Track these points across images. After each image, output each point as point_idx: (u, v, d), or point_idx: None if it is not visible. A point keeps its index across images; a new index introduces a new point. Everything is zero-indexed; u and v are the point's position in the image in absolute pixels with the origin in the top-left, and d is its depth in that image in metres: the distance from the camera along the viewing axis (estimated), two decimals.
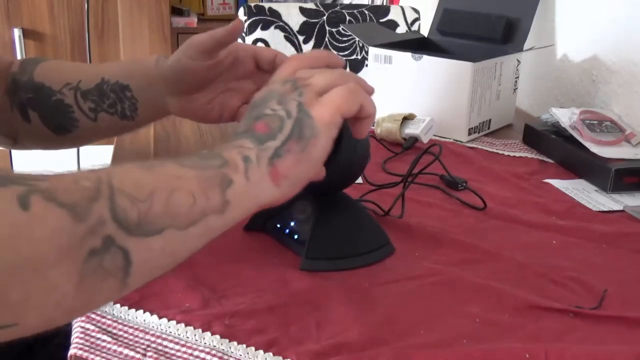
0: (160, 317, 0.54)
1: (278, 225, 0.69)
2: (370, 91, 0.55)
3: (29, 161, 2.31)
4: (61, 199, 0.37)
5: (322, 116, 0.50)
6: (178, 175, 0.43)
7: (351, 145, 0.61)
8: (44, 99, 0.75)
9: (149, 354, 0.51)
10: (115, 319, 0.55)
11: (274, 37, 1.51)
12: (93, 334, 0.53)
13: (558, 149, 0.98)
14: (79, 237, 0.37)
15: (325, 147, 0.51)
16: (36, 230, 0.35)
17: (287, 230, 0.68)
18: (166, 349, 0.51)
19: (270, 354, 0.51)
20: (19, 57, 2.30)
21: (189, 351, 0.51)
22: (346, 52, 1.58)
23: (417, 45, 1.25)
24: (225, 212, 0.45)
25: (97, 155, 2.17)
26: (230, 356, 0.51)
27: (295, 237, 0.67)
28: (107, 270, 0.39)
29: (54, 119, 0.76)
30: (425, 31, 1.33)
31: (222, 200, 0.44)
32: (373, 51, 1.13)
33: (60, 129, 0.77)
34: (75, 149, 2.16)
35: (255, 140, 0.48)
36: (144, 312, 0.55)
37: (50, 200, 0.36)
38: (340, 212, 0.68)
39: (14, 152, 2.32)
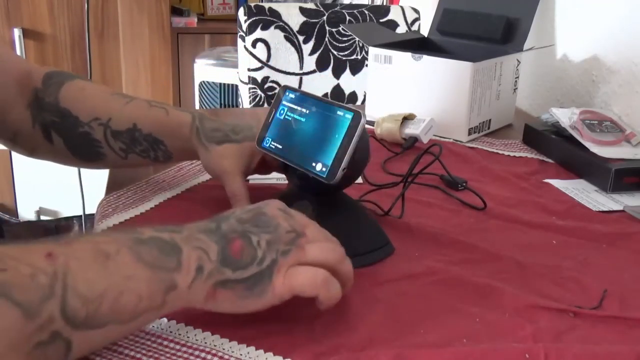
0: (160, 317, 0.54)
1: None
2: (346, 284, 0.55)
3: (30, 162, 2.31)
4: (16, 297, 0.40)
5: (279, 288, 0.51)
6: (130, 275, 0.46)
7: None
8: (70, 127, 0.74)
9: (149, 354, 0.51)
10: None
11: (274, 37, 1.51)
12: None
13: (558, 149, 0.98)
14: (27, 333, 0.40)
15: (261, 308, 0.52)
16: None
17: None
18: (166, 349, 0.51)
19: (271, 353, 0.51)
20: None
21: (189, 351, 0.51)
22: (346, 52, 1.58)
23: (417, 45, 1.25)
24: (160, 309, 0.48)
25: None
26: (231, 356, 0.51)
27: None
28: (49, 357, 0.42)
29: (81, 149, 0.75)
30: (425, 31, 1.33)
31: (162, 301, 0.47)
32: (373, 51, 1.13)
33: (86, 158, 0.76)
34: None
35: (221, 255, 0.50)
36: None
37: (6, 297, 0.40)
38: (340, 212, 0.68)
39: (14, 153, 2.32)
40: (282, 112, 0.67)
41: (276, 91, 0.72)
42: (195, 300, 0.50)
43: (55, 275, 0.42)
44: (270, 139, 0.67)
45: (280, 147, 0.66)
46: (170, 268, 0.48)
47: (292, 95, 0.67)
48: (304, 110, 0.66)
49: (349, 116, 0.62)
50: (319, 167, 0.62)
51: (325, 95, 1.57)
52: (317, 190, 0.66)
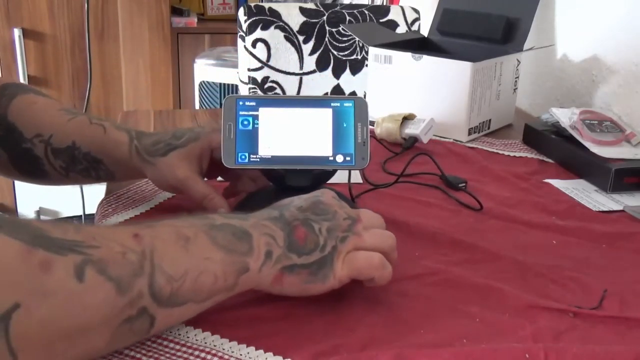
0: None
1: None
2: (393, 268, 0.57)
3: None
4: (110, 272, 0.43)
5: (339, 273, 0.54)
6: (207, 256, 0.49)
7: None
8: (14, 142, 0.72)
9: (149, 354, 0.51)
10: None
11: (274, 37, 1.51)
12: None
13: (558, 149, 0.98)
14: (119, 308, 0.44)
15: (324, 291, 0.55)
16: (87, 300, 0.42)
17: None
18: (166, 349, 0.51)
19: (271, 353, 0.51)
20: (19, 57, 2.30)
21: (189, 351, 0.51)
22: (346, 52, 1.58)
23: (417, 45, 1.25)
24: (232, 290, 0.51)
25: None
26: (231, 356, 0.51)
27: None
28: (135, 332, 0.46)
29: (24, 165, 0.73)
30: (425, 31, 1.33)
31: (234, 282, 0.50)
32: (373, 51, 1.13)
33: (29, 175, 0.74)
34: None
35: (287, 241, 0.53)
36: None
37: (102, 274, 0.43)
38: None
39: None
40: (245, 123, 0.64)
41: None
42: (263, 283, 0.52)
43: (143, 253, 0.45)
44: (246, 154, 0.64)
45: (266, 157, 0.64)
46: (243, 252, 0.50)
47: (250, 103, 0.64)
48: (280, 113, 0.64)
49: (349, 104, 0.63)
50: (339, 159, 0.63)
51: (326, 95, 1.57)
52: (300, 186, 0.66)
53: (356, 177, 0.88)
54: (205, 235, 0.50)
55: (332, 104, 0.64)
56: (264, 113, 0.64)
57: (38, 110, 0.73)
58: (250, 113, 0.64)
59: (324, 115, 0.63)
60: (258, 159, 0.64)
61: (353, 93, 1.60)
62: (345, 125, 0.63)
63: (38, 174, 0.74)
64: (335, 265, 0.54)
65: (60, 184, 0.76)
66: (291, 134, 0.64)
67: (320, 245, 0.53)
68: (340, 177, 0.84)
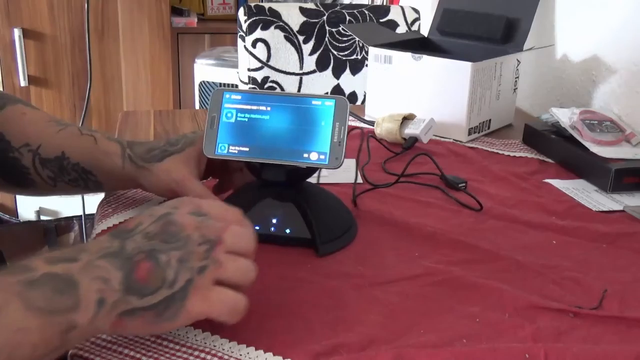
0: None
1: (257, 227, 0.67)
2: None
3: None
4: None
5: (194, 310, 0.48)
6: (22, 327, 0.42)
7: None
8: (1, 152, 0.71)
9: (149, 354, 0.51)
10: None
11: (274, 37, 1.51)
12: None
13: (558, 149, 0.98)
14: None
15: (171, 330, 0.50)
16: None
17: (273, 229, 0.67)
18: (166, 349, 0.51)
19: (271, 354, 0.51)
20: (19, 57, 2.29)
21: (189, 351, 0.51)
22: (346, 52, 1.58)
23: (417, 45, 1.25)
24: (59, 350, 0.45)
25: None
26: (231, 356, 0.51)
27: (287, 231, 0.67)
28: None
29: (10, 175, 0.73)
30: (425, 31, 1.33)
31: (60, 342, 0.44)
32: (373, 51, 1.13)
33: (15, 184, 0.74)
34: None
35: (125, 283, 0.46)
36: None
37: None
38: (311, 197, 0.69)
39: None
40: (229, 115, 0.66)
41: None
42: (100, 330, 0.47)
43: None
44: (226, 145, 0.66)
45: (245, 149, 0.65)
46: (66, 309, 0.44)
47: (236, 97, 0.66)
48: (263, 108, 0.65)
49: (330, 103, 0.64)
50: (314, 156, 0.64)
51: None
52: (290, 182, 0.68)
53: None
54: (18, 299, 0.42)
55: (313, 102, 0.65)
56: (248, 107, 0.66)
57: (27, 121, 0.73)
58: (235, 106, 0.66)
59: (304, 113, 0.65)
60: (236, 151, 0.66)
61: (353, 93, 1.60)
62: (323, 123, 0.64)
63: (24, 183, 0.73)
64: (189, 301, 0.48)
65: (47, 194, 0.76)
66: (270, 129, 0.65)
67: (168, 280, 0.47)
68: (341, 177, 0.84)
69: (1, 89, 0.75)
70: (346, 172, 0.87)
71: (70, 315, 0.44)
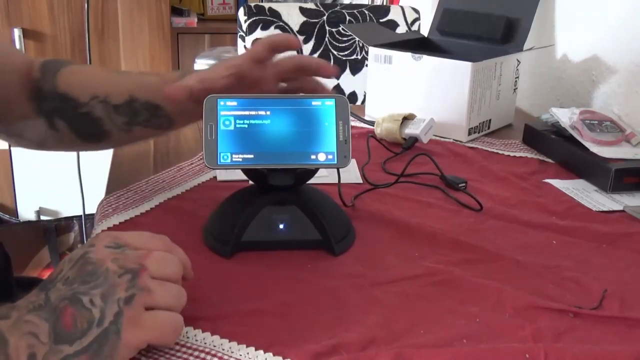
0: None
1: (265, 236, 0.67)
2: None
3: (30, 162, 2.31)
4: None
5: (130, 341, 0.46)
6: None
7: None
8: (71, 110, 0.73)
9: (149, 354, 0.51)
10: None
11: None
12: None
13: (558, 149, 0.98)
14: None
15: None
16: None
17: (282, 235, 0.67)
18: (166, 349, 0.51)
19: (271, 354, 0.51)
20: None
21: (189, 351, 0.51)
22: (346, 52, 1.58)
23: (417, 45, 1.25)
24: None
25: (97, 156, 2.17)
26: (231, 356, 0.51)
27: (297, 235, 0.67)
28: None
29: (85, 129, 0.75)
30: (425, 31, 1.33)
31: None
32: (373, 51, 1.13)
33: (92, 138, 0.76)
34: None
35: (53, 334, 0.45)
36: None
37: None
38: (312, 199, 0.69)
39: (14, 151, 2.32)
40: (227, 123, 0.64)
41: None
42: None
43: None
44: (228, 154, 0.63)
45: (249, 156, 0.63)
46: None
47: (231, 103, 0.64)
48: (262, 112, 0.64)
49: (331, 103, 0.63)
50: (322, 157, 0.64)
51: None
52: (295, 186, 0.67)
53: (356, 177, 0.88)
54: None
55: (313, 103, 0.64)
56: (246, 113, 0.64)
57: (88, 75, 0.75)
58: (232, 113, 0.64)
59: (306, 114, 0.64)
60: (240, 159, 0.63)
61: (353, 93, 1.60)
62: (326, 123, 0.64)
63: (100, 136, 0.75)
64: (124, 333, 0.46)
65: (124, 143, 0.78)
66: (273, 134, 0.64)
67: (95, 320, 0.46)
68: (342, 177, 0.84)
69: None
70: (346, 172, 0.87)
71: None
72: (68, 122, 0.74)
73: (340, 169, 0.67)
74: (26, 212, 2.46)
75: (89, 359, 0.45)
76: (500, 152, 1.03)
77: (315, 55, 1.55)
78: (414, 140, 1.00)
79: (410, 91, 1.10)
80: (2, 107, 0.74)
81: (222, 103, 0.64)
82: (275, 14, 1.51)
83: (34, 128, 0.75)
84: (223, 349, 0.51)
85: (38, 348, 0.45)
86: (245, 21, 1.49)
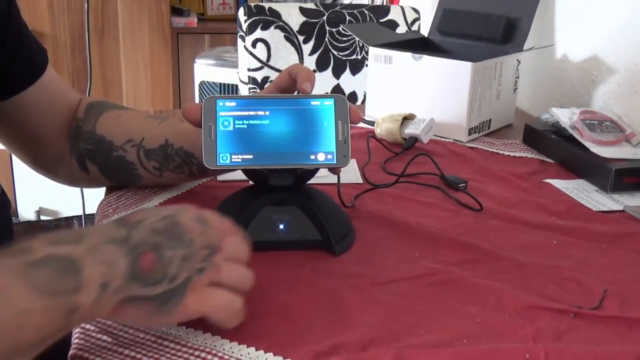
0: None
1: (264, 236, 0.67)
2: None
3: None
4: None
5: (190, 307, 0.49)
6: (25, 308, 0.42)
7: None
8: (104, 152, 0.75)
9: (150, 354, 0.51)
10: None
11: (274, 37, 1.51)
12: (93, 334, 0.53)
13: (558, 149, 0.98)
14: None
15: (166, 325, 0.52)
16: None
17: (282, 235, 0.67)
18: (167, 349, 0.51)
19: (271, 354, 0.51)
20: None
21: (189, 351, 0.51)
22: (346, 52, 1.58)
23: (417, 45, 1.25)
24: (63, 331, 0.45)
25: None
26: (231, 356, 0.51)
27: (297, 235, 0.67)
28: None
29: (116, 174, 0.76)
30: (425, 31, 1.33)
31: (63, 324, 0.44)
32: (373, 51, 1.13)
33: (122, 182, 0.77)
34: None
35: (130, 270, 0.47)
36: None
37: None
38: (312, 199, 0.68)
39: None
40: (226, 123, 0.63)
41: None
42: (99, 314, 0.48)
43: None
44: (227, 154, 0.63)
45: (248, 157, 0.63)
46: (68, 290, 0.44)
47: (230, 103, 0.64)
48: (261, 113, 0.64)
49: (330, 102, 0.63)
50: (321, 157, 0.64)
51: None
52: (294, 186, 0.67)
53: (356, 177, 0.88)
54: (20, 280, 0.43)
55: (312, 103, 0.64)
56: (245, 113, 0.64)
57: (127, 119, 0.77)
58: (231, 113, 0.64)
59: (304, 114, 0.64)
60: (240, 159, 0.63)
61: (353, 93, 1.60)
62: (326, 123, 0.64)
63: (131, 179, 0.77)
64: (187, 298, 0.49)
65: (153, 185, 0.79)
66: (272, 134, 0.64)
67: (169, 275, 0.48)
68: (342, 177, 0.84)
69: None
70: (346, 172, 0.87)
71: (73, 297, 0.44)
72: (99, 165, 0.76)
73: (341, 169, 0.67)
74: (26, 212, 2.46)
75: (152, 308, 0.48)
76: (501, 152, 1.03)
77: (315, 55, 1.55)
78: (414, 140, 1.00)
79: (411, 91, 1.10)
80: (44, 144, 0.77)
81: (221, 104, 0.64)
82: (275, 14, 1.51)
83: (67, 167, 0.77)
84: (223, 349, 0.51)
85: (112, 279, 0.46)
86: (245, 21, 1.49)
